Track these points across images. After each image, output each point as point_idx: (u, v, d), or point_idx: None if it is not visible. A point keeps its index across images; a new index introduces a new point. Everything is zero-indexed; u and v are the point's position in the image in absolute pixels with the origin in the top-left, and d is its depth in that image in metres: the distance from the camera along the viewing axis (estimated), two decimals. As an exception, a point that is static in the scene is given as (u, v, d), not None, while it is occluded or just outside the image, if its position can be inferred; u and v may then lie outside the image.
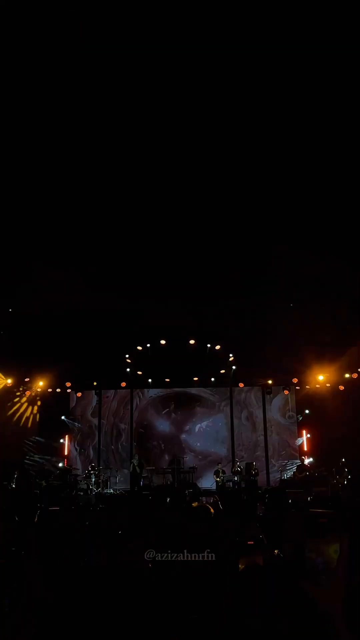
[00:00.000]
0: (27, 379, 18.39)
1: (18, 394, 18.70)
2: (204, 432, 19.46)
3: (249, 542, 3.98)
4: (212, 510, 4.15)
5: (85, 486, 16.09)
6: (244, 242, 10.60)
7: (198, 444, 19.31)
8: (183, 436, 19.44)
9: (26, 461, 18.55)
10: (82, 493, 15.40)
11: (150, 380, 18.82)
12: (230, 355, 17.56)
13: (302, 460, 16.76)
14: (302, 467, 16.38)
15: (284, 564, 3.52)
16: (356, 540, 1.47)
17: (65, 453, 19.10)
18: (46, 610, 2.48)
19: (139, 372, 18.10)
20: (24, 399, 18.85)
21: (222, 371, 18.25)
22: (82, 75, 6.50)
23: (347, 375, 17.59)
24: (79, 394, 19.72)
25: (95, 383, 18.91)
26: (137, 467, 16.38)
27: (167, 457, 18.38)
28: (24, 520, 5.01)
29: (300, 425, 19.31)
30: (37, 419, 19.11)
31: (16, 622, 2.51)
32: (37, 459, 18.79)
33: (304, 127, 7.53)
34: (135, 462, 16.58)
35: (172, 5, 5.52)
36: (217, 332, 16.20)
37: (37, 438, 19.09)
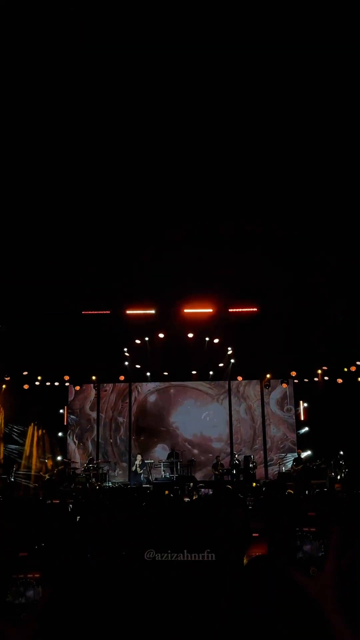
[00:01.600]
0: (25, 372, 18.37)
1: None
2: (203, 426, 19.50)
3: (254, 535, 4.01)
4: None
5: (84, 479, 16.13)
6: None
7: (196, 437, 19.36)
8: (181, 429, 19.47)
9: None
10: (80, 486, 15.44)
11: (148, 374, 18.83)
12: (229, 348, 17.55)
13: (299, 454, 16.81)
14: (299, 460, 16.44)
15: (276, 554, 3.53)
16: (347, 532, 1.49)
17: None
18: (46, 610, 2.48)
19: (138, 366, 18.10)
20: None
21: (221, 365, 18.24)
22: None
23: (345, 370, 17.64)
24: (77, 388, 19.73)
25: (93, 377, 18.92)
26: (138, 468, 16.38)
27: (165, 451, 18.43)
28: (26, 517, 5.02)
29: (299, 419, 19.37)
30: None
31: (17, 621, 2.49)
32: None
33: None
34: (138, 462, 16.57)
35: (172, 5, 5.44)
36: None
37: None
